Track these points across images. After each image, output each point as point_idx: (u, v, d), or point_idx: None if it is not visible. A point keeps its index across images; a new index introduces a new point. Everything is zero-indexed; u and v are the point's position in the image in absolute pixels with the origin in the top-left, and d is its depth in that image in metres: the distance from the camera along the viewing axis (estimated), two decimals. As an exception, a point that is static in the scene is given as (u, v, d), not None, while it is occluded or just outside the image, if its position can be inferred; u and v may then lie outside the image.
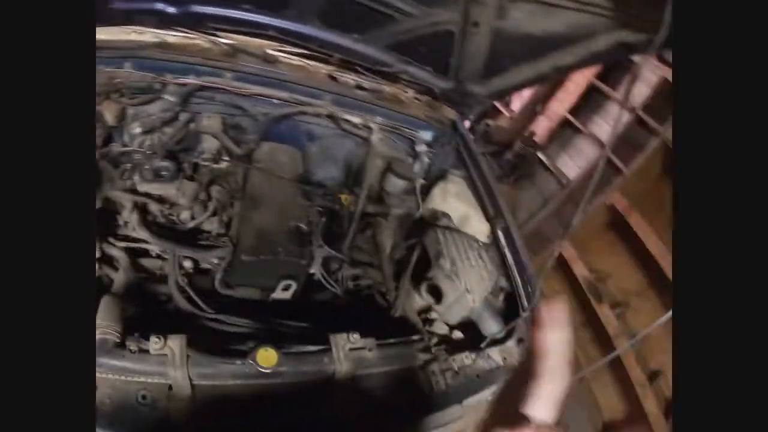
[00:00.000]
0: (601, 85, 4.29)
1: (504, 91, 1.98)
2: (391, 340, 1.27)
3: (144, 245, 1.39)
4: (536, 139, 4.75)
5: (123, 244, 1.35)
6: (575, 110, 4.55)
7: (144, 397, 0.97)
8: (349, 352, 1.17)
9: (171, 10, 1.70)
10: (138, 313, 1.17)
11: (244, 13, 1.77)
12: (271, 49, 1.86)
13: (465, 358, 1.37)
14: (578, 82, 4.62)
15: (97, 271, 1.28)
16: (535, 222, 4.48)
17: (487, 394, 1.42)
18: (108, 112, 1.61)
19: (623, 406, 3.29)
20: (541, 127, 4.91)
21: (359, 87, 1.93)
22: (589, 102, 4.53)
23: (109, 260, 1.31)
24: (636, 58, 3.89)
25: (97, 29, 1.63)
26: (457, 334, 1.54)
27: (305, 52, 1.89)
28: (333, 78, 1.90)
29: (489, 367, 1.41)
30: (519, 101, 5.13)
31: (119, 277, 1.27)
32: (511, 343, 1.51)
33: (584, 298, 3.43)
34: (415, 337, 1.35)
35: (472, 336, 1.51)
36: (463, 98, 2.05)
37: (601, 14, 1.44)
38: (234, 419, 1.04)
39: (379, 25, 1.77)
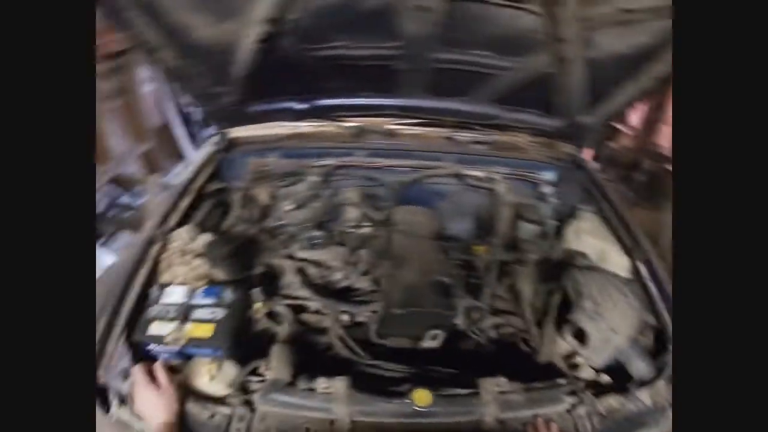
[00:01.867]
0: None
1: (614, 115, 1.96)
2: (538, 384, 1.29)
3: (305, 302, 1.60)
4: (664, 151, 4.29)
5: (287, 301, 1.57)
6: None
7: (308, 429, 1.12)
8: (497, 396, 1.21)
9: (302, 106, 2.03)
10: (302, 360, 1.32)
11: (363, 99, 2.04)
12: (391, 124, 2.11)
13: (613, 401, 1.32)
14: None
15: (263, 324, 1.50)
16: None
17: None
18: (261, 194, 1.99)
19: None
20: (667, 136, 4.43)
21: (476, 142, 2.07)
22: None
23: (273, 316, 1.52)
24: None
25: (243, 127, 2.06)
26: (605, 378, 1.47)
27: (420, 121, 2.10)
28: (450, 139, 2.08)
29: (638, 410, 1.33)
30: (637, 115, 4.73)
31: (284, 330, 1.44)
32: (660, 383, 1.41)
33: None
34: (562, 381, 1.35)
35: (619, 377, 1.44)
36: (576, 131, 2.05)
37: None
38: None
39: (482, 83, 1.90)
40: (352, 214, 2.01)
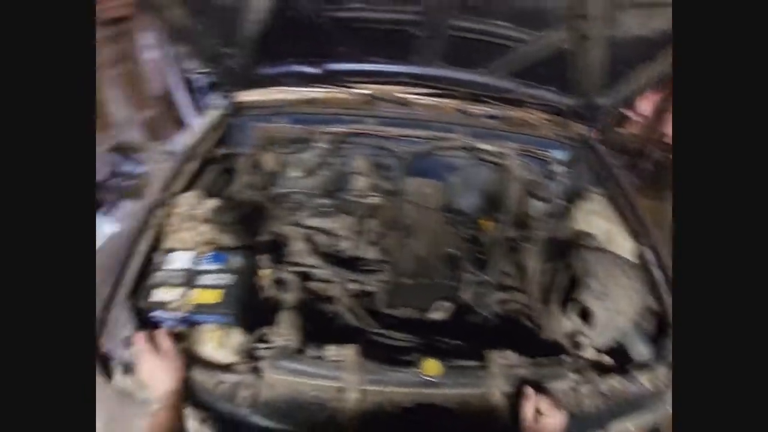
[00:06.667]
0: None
1: (629, 97, 1.91)
2: (544, 360, 1.28)
3: (312, 270, 1.59)
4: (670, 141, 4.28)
5: (294, 269, 1.56)
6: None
7: (316, 397, 1.10)
8: (504, 369, 1.20)
9: (312, 70, 1.97)
10: (310, 328, 1.30)
11: (377, 65, 1.99)
12: (404, 93, 2.07)
13: (614, 382, 1.31)
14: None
15: (270, 292, 1.47)
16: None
17: (632, 420, 1.31)
18: (268, 161, 1.95)
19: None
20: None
21: (489, 116, 2.03)
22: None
23: (280, 283, 1.50)
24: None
25: (250, 91, 2.00)
26: (606, 359, 1.47)
27: (434, 91, 2.06)
28: (463, 111, 2.04)
29: (638, 393, 1.32)
30: (647, 103, 4.68)
31: (291, 297, 1.43)
32: (660, 368, 1.42)
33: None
34: (567, 358, 1.35)
35: (620, 360, 1.44)
36: (590, 112, 2.01)
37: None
38: (395, 424, 1.11)
39: (498, 56, 1.85)
40: (360, 183, 1.99)
